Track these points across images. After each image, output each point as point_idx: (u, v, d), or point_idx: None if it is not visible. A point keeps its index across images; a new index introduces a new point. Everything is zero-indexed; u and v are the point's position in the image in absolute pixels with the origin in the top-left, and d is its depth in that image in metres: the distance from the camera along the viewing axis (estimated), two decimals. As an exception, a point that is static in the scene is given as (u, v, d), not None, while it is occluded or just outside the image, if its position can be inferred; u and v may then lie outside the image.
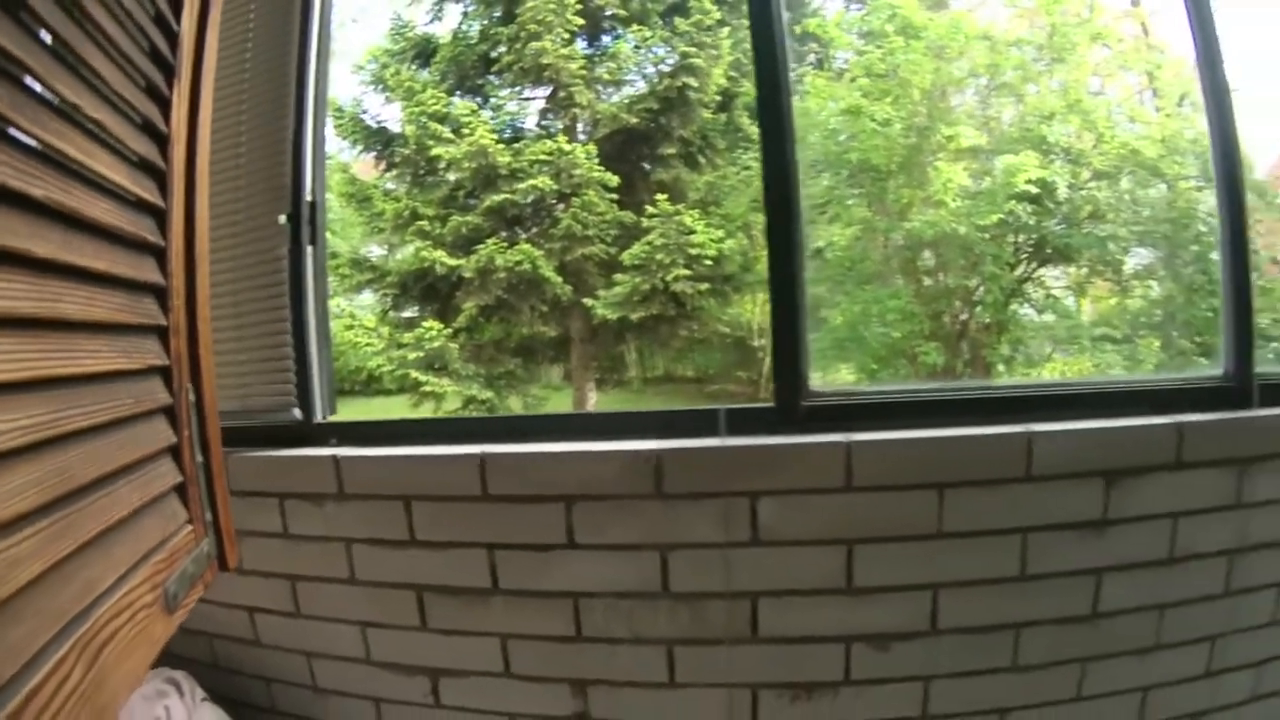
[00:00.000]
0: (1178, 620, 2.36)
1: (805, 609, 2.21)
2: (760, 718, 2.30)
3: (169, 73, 1.14)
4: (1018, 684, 2.31)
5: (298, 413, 2.39)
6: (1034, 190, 8.64)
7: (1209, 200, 8.72)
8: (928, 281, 9.30)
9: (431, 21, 11.12)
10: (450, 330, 9.85)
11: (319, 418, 2.44)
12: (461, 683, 2.40)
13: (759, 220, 8.20)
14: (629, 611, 2.24)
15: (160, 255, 1.14)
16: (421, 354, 9.72)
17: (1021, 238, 9.19)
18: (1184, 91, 9.00)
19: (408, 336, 9.98)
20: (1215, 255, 8.62)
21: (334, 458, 2.30)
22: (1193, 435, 2.22)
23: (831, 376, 9.59)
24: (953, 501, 2.16)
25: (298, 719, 2.60)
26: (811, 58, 10.36)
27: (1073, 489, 2.20)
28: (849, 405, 2.25)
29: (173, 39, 1.14)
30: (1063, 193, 8.96)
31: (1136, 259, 9.41)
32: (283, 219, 2.38)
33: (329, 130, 2.58)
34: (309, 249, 2.40)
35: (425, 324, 9.86)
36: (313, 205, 2.40)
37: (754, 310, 11.12)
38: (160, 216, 1.14)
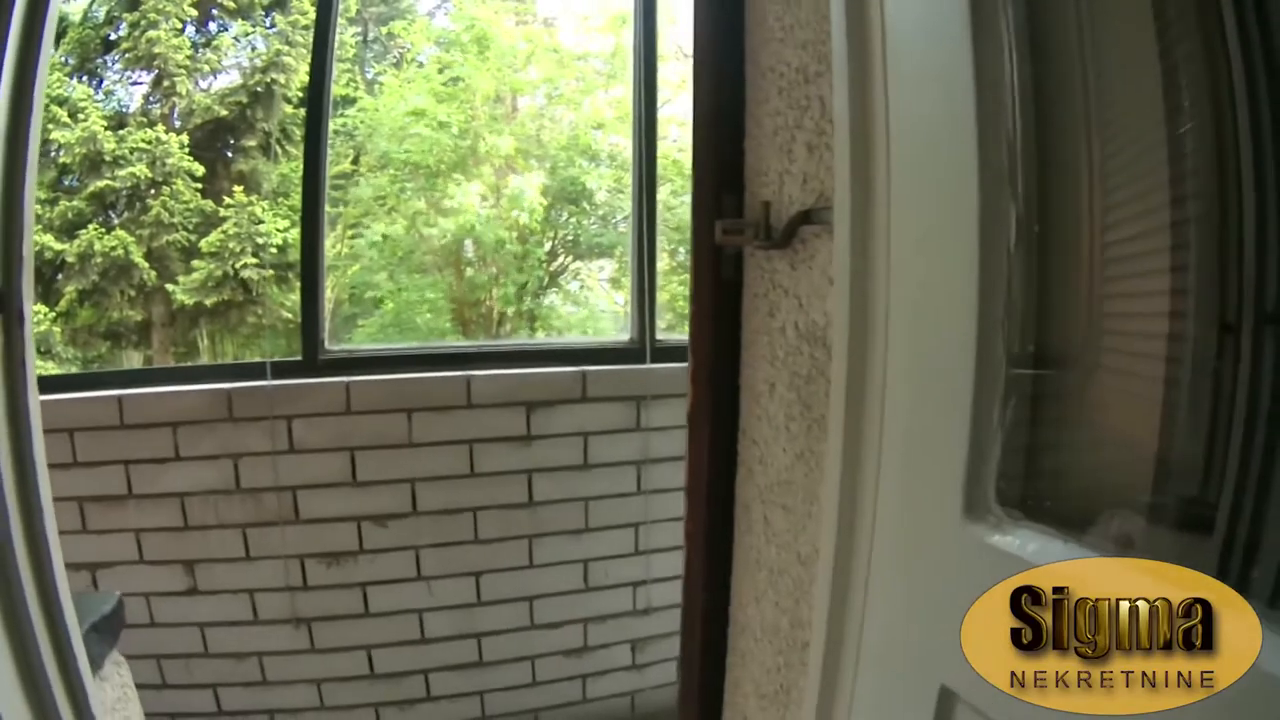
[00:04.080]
0: (601, 510, 4.51)
1: (328, 497, 4.29)
2: (309, 580, 4.34)
3: None
4: (482, 553, 4.44)
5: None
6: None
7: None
8: (470, 273, 11.32)
9: (67, 0, 12.42)
10: (54, 314, 11.55)
11: None
12: (111, 573, 4.24)
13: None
14: (215, 505, 4.26)
15: None
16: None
17: (561, 234, 11.30)
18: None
19: (15, 321, 11.42)
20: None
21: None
22: (594, 379, 4.39)
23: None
24: (418, 421, 4.30)
25: None
26: (395, 54, 12.52)
27: (503, 414, 4.36)
28: (350, 359, 4.44)
29: None
30: (601, 196, 11.13)
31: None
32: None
33: None
34: None
35: (33, 307, 11.23)
36: None
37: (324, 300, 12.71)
38: None
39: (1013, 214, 1.24)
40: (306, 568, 4.29)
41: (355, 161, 11.73)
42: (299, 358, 4.38)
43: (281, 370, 4.30)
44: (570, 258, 12.05)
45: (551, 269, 11.83)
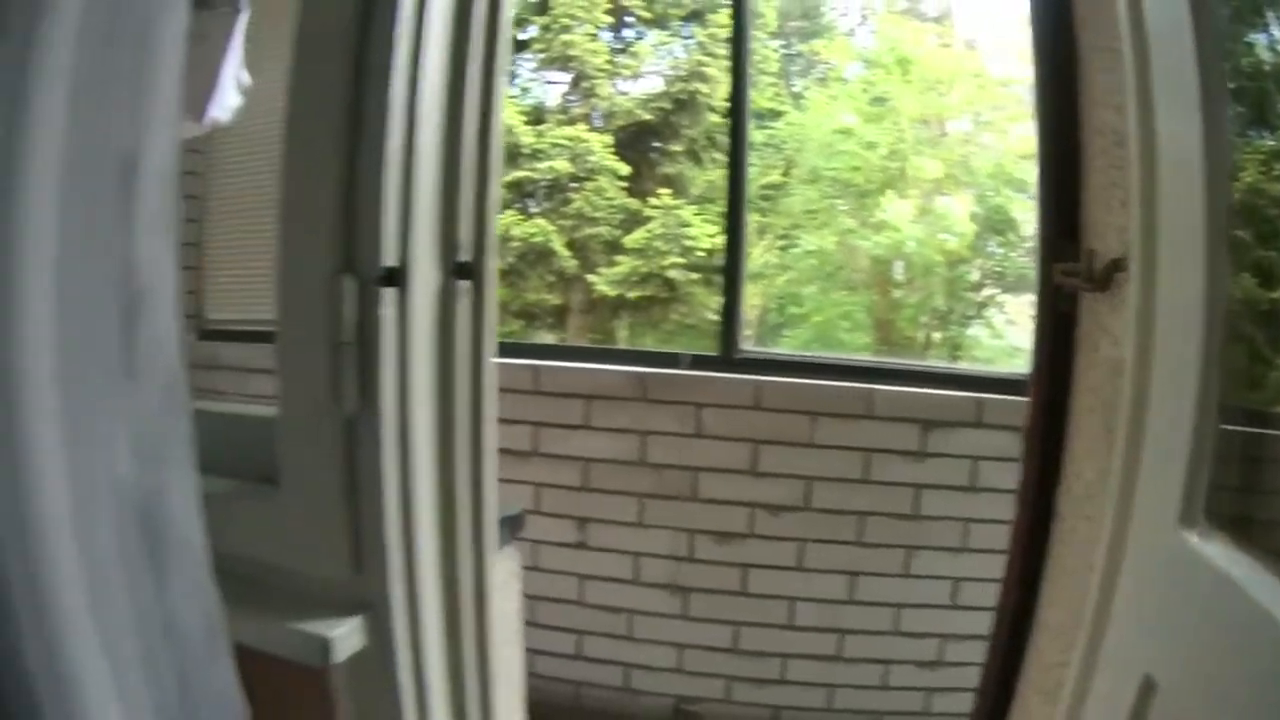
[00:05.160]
0: (980, 533, 4.76)
1: (727, 481, 4.77)
2: (696, 553, 4.86)
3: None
4: (862, 555, 4.81)
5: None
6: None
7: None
8: (897, 294, 11.05)
9: (474, 1, 12.97)
10: (466, 288, 11.74)
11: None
12: (508, 518, 4.91)
13: (753, 220, 10.48)
14: (617, 472, 4.84)
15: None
16: (441, 307, 11.61)
17: (989, 265, 10.88)
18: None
19: (431, 291, 11.90)
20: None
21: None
22: (990, 407, 4.68)
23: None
24: (821, 424, 4.72)
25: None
26: (820, 70, 12.45)
27: (900, 428, 4.72)
28: (763, 360, 4.98)
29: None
30: (1030, 229, 10.66)
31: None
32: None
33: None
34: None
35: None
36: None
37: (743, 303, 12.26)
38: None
39: (1231, 288, 1.56)
40: (696, 541, 4.79)
41: (786, 173, 11.91)
42: (715, 353, 4.96)
43: (698, 363, 4.90)
44: (998, 290, 11.91)
45: (978, 299, 11.77)
